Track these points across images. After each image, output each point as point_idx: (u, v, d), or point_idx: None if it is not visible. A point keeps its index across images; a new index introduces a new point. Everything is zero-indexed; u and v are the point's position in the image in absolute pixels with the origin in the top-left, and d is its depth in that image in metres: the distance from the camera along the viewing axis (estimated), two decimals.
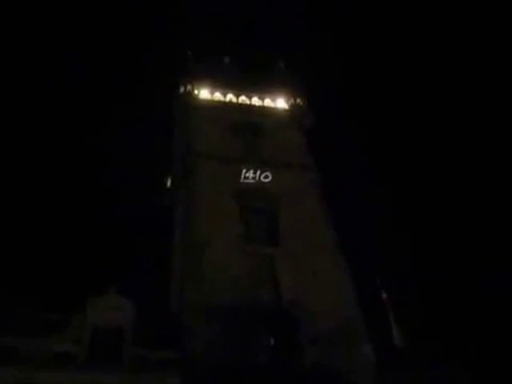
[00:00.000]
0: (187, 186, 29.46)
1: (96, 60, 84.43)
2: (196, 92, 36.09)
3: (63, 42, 76.54)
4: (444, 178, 53.66)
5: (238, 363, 19.15)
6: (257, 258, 24.53)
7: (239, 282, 22.58)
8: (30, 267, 40.33)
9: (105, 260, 43.70)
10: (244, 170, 29.19)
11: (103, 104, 73.49)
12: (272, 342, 20.73)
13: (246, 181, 28.92)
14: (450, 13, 63.59)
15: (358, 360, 21.24)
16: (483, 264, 36.16)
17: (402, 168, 58.71)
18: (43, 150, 63.10)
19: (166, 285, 30.93)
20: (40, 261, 42.56)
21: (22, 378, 17.86)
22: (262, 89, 37.90)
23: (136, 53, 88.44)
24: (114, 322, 20.99)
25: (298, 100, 37.36)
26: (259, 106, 36.81)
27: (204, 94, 36.47)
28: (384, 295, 25.81)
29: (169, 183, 38.86)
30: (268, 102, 37.36)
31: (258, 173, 29.39)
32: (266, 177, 29.43)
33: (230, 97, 36.90)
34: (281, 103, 37.41)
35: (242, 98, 37.07)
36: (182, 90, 36.58)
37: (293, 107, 36.85)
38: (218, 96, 36.73)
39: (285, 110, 36.80)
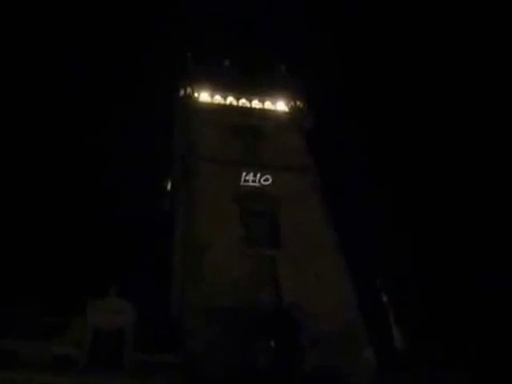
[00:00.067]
0: (187, 188, 29.51)
1: (96, 60, 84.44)
2: (196, 95, 36.12)
3: (63, 42, 76.63)
4: (444, 180, 53.64)
5: (238, 366, 19.13)
6: (257, 261, 24.57)
7: (240, 285, 22.58)
8: (30, 270, 40.30)
9: (105, 262, 43.65)
10: (244, 173, 29.24)
11: (103, 105, 73.49)
12: (272, 344, 20.72)
13: (246, 183, 28.98)
14: (449, 13, 63.74)
15: (359, 362, 21.23)
16: (483, 264, 36.14)
17: (402, 170, 58.75)
18: (42, 152, 63.18)
19: (167, 287, 30.95)
20: (40, 263, 42.52)
21: (23, 381, 17.85)
22: (262, 91, 37.94)
23: (136, 55, 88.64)
24: (115, 325, 20.99)
25: (298, 103, 37.41)
26: (259, 109, 36.85)
27: (204, 96, 36.50)
28: (384, 297, 25.79)
29: (169, 186, 38.91)
30: (268, 105, 37.40)
31: (259, 175, 29.44)
32: (267, 179, 29.48)
33: (231, 99, 36.93)
34: (281, 106, 37.44)
35: (243, 101, 37.09)
36: (181, 92, 36.64)
37: (293, 110, 36.90)
38: (218, 99, 36.77)
39: (285, 113, 36.85)
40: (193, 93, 36.07)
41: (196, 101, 35.80)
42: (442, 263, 38.82)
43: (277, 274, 24.19)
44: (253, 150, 32.01)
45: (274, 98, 37.68)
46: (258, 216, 27.40)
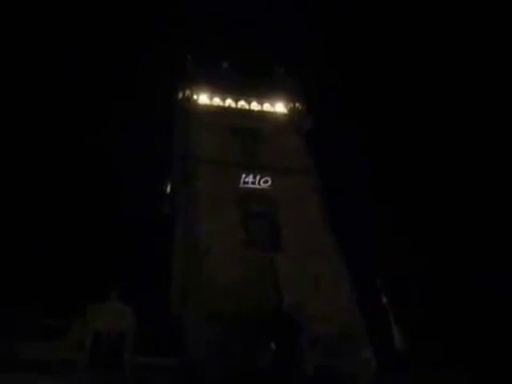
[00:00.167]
0: (187, 190, 29.55)
1: (95, 61, 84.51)
2: (195, 97, 36.23)
3: (63, 43, 76.63)
4: (444, 181, 53.67)
5: (239, 368, 19.16)
6: (257, 263, 24.59)
7: (240, 287, 22.62)
8: (31, 272, 40.33)
9: (106, 266, 43.69)
10: (244, 175, 29.31)
11: (102, 107, 73.56)
12: (273, 346, 20.74)
13: (245, 186, 29.04)
14: (449, 13, 63.83)
15: (359, 363, 21.26)
16: (483, 264, 36.14)
17: (402, 171, 58.75)
18: (42, 154, 63.14)
19: (167, 290, 30.96)
20: (40, 266, 42.56)
21: None
22: (261, 93, 38.04)
23: (135, 56, 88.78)
24: (115, 328, 21.03)
25: (297, 104, 37.50)
26: (258, 111, 36.95)
27: (203, 98, 36.61)
28: (384, 298, 25.82)
29: (169, 188, 38.96)
30: (267, 107, 37.49)
31: (258, 177, 29.51)
32: (266, 181, 29.54)
33: (229, 102, 37.04)
34: (280, 108, 37.53)
35: (241, 103, 37.20)
36: (181, 94, 36.72)
37: (292, 112, 36.99)
38: (217, 101, 36.88)
39: (284, 115, 36.94)
40: (192, 95, 36.17)
41: (195, 103, 35.90)
42: (442, 263, 38.83)
43: (277, 275, 24.20)
44: (252, 152, 32.08)
45: (272, 100, 37.79)
46: (258, 218, 27.45)
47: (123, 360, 19.95)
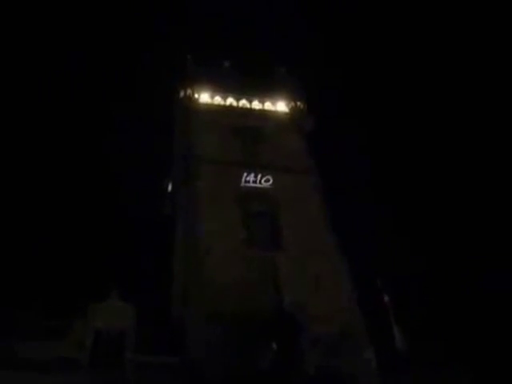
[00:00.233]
0: (188, 190, 29.53)
1: (96, 61, 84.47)
2: (196, 96, 36.19)
3: (63, 42, 76.53)
4: (444, 181, 53.65)
5: (239, 368, 19.17)
6: (258, 262, 24.59)
7: (241, 287, 22.62)
8: (32, 272, 40.36)
9: (106, 265, 43.68)
10: (245, 174, 29.30)
11: (103, 106, 73.48)
12: (274, 346, 20.74)
13: (246, 185, 29.03)
14: (449, 13, 63.76)
15: (360, 363, 21.27)
16: (484, 264, 36.15)
17: (402, 171, 58.72)
18: (42, 154, 63.16)
19: (168, 290, 30.98)
20: (41, 266, 42.58)
21: (24, 383, 17.89)
22: (263, 92, 38.00)
23: (136, 56, 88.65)
24: (116, 327, 21.07)
25: (299, 103, 37.47)
26: (259, 110, 36.91)
27: (204, 97, 36.57)
28: (385, 297, 25.81)
29: (170, 187, 38.95)
30: (268, 106, 37.46)
31: (259, 177, 29.50)
32: (267, 180, 29.53)
33: (231, 101, 37.00)
34: (281, 107, 37.50)
35: (243, 102, 37.16)
36: (182, 94, 36.69)
37: (293, 111, 36.97)
38: (218, 100, 36.84)
39: (285, 114, 36.90)
40: (193, 94, 36.14)
41: (196, 102, 35.86)
42: (443, 263, 38.85)
43: (278, 275, 24.19)
44: (253, 151, 32.05)
45: (274, 99, 37.75)
46: (259, 217, 27.45)
47: (124, 359, 19.98)
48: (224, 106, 36.49)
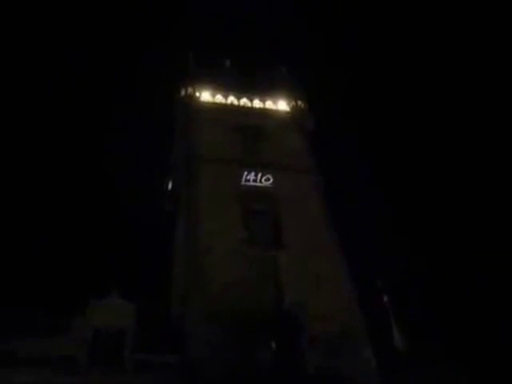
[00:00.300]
0: (189, 188, 29.46)
1: (97, 60, 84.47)
2: (197, 95, 36.14)
3: (63, 42, 76.56)
4: (444, 181, 53.64)
5: (239, 367, 19.14)
6: (259, 262, 24.56)
7: (241, 286, 22.58)
8: (31, 270, 40.35)
9: (106, 263, 43.68)
10: (245, 173, 29.24)
11: (104, 105, 73.46)
12: (274, 345, 20.71)
13: (247, 184, 28.98)
14: (449, 14, 63.72)
15: (360, 363, 21.25)
16: (483, 265, 36.13)
17: (403, 171, 58.73)
18: (44, 152, 63.18)
19: (168, 288, 30.93)
20: (41, 264, 42.57)
21: (24, 380, 17.86)
22: (263, 91, 37.94)
23: (137, 55, 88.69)
24: (116, 325, 21.01)
25: (300, 102, 37.43)
26: (260, 109, 36.84)
27: (205, 96, 36.51)
28: (386, 298, 25.79)
29: (170, 186, 38.89)
30: (269, 105, 37.40)
31: (260, 175, 29.46)
32: (268, 179, 29.48)
33: (232, 99, 36.94)
34: (282, 105, 37.45)
35: (244, 101, 37.09)
36: (183, 92, 36.64)
37: (294, 109, 36.92)
38: (219, 98, 36.78)
39: (286, 113, 36.84)
40: (194, 93, 36.09)
41: (197, 101, 35.81)
42: (443, 264, 38.82)
43: (278, 275, 24.18)
44: (254, 150, 31.99)
45: (275, 98, 37.70)
46: (260, 216, 27.40)
47: (123, 357, 19.94)
48: (225, 105, 36.43)
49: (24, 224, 49.64)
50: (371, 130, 66.91)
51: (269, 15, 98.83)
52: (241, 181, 28.95)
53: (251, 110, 36.34)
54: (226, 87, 37.37)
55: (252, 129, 33.51)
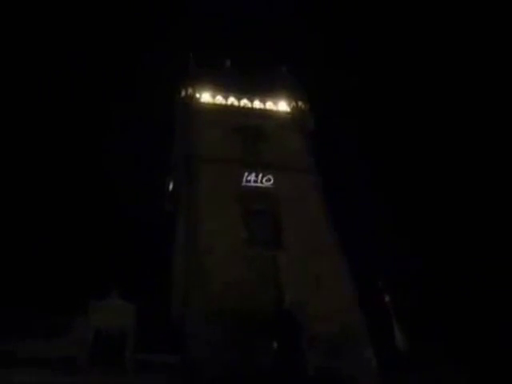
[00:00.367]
0: (189, 188, 29.49)
1: (97, 61, 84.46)
2: (197, 95, 36.16)
3: (63, 42, 76.60)
4: (444, 180, 53.63)
5: (240, 367, 19.15)
6: (259, 261, 24.58)
7: (241, 286, 22.60)
8: (32, 270, 40.37)
9: (107, 263, 43.67)
10: (246, 174, 29.27)
11: (104, 106, 73.50)
12: (275, 345, 20.71)
13: (247, 184, 29.01)
14: (449, 14, 63.69)
15: (361, 363, 21.24)
16: (484, 265, 36.11)
17: (403, 171, 58.72)
18: (44, 152, 63.20)
19: (169, 288, 30.95)
20: (42, 264, 42.59)
21: (24, 381, 17.86)
22: (264, 92, 37.98)
23: (137, 56, 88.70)
24: (116, 326, 21.02)
25: (300, 103, 37.43)
26: (261, 109, 36.87)
27: (205, 97, 36.54)
28: (386, 298, 25.77)
29: (171, 186, 38.92)
30: (270, 105, 37.42)
31: (260, 176, 29.49)
32: (268, 179, 29.51)
33: (232, 100, 36.96)
34: (282, 106, 37.47)
35: (244, 101, 37.11)
36: (183, 93, 36.67)
37: (294, 110, 36.93)
38: (219, 99, 36.81)
39: (286, 113, 36.86)
40: (194, 93, 36.12)
41: (197, 101, 35.83)
42: (443, 263, 38.80)
43: (278, 274, 24.19)
44: (254, 150, 32.03)
45: (275, 99, 37.73)
46: (260, 216, 27.43)
47: (124, 357, 19.95)
48: (225, 106, 36.45)
49: (24, 224, 49.68)
50: (371, 130, 66.93)
51: (269, 15, 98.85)
52: (241, 181, 28.99)
53: (251, 111, 36.36)
54: (226, 88, 37.39)
55: (252, 129, 33.55)
